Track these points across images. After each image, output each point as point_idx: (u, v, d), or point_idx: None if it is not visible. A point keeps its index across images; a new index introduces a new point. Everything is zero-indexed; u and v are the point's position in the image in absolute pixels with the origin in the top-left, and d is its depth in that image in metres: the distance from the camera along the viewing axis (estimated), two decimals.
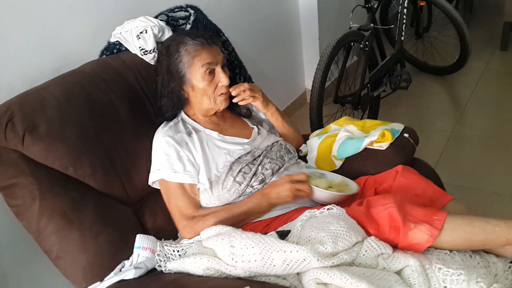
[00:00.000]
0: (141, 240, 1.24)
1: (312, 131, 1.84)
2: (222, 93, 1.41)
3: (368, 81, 2.42)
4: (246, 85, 1.46)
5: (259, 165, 1.40)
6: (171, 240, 1.32)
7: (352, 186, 1.38)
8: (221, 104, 1.42)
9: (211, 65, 1.37)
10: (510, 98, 2.94)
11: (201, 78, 1.37)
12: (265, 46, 2.64)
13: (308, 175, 1.36)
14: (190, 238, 1.29)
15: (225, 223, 1.26)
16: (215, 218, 1.29)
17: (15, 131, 1.20)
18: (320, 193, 1.30)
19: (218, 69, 1.39)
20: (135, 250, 1.24)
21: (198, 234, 1.27)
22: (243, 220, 1.32)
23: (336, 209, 1.21)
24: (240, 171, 1.37)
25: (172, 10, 1.68)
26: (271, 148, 1.47)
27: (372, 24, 2.40)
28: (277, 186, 1.30)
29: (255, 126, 1.54)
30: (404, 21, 2.70)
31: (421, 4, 3.03)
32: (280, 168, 1.43)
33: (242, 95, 1.45)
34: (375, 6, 2.49)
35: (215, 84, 1.39)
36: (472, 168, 2.33)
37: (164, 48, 1.41)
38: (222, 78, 1.39)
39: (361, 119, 2.46)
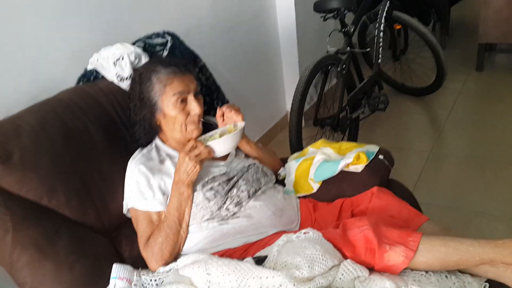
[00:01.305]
0: (117, 270, 1.22)
1: (292, 153, 1.85)
2: (193, 121, 1.41)
3: (346, 104, 2.46)
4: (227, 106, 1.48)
5: (233, 187, 1.40)
6: (148, 269, 1.30)
7: (239, 124, 1.43)
8: (192, 133, 1.42)
9: (183, 94, 1.38)
10: (487, 118, 3.01)
11: (173, 107, 1.38)
12: (245, 70, 2.68)
13: (203, 139, 1.42)
14: (155, 270, 1.28)
15: (172, 231, 1.29)
16: (159, 233, 1.30)
17: None
18: (216, 145, 1.34)
19: (190, 98, 1.39)
20: (111, 281, 1.22)
21: (163, 260, 1.28)
22: (180, 216, 1.31)
23: (312, 233, 1.22)
24: (211, 188, 1.37)
25: (149, 36, 1.70)
26: (247, 170, 1.48)
27: (348, 48, 2.45)
28: (181, 166, 1.30)
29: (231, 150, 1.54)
30: (381, 44, 2.76)
31: (397, 27, 3.11)
32: (256, 191, 1.43)
33: (232, 109, 1.46)
34: (351, 30, 2.54)
35: (187, 112, 1.40)
36: (450, 187, 2.36)
37: (137, 75, 1.42)
38: (194, 107, 1.39)
39: (341, 141, 2.49)
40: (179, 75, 1.38)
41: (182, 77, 1.38)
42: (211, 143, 1.34)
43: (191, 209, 1.34)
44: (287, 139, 2.28)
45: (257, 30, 2.76)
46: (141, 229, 1.33)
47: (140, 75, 1.41)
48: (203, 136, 1.46)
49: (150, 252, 1.29)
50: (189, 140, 1.43)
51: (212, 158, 1.45)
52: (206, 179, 1.38)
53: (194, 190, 1.35)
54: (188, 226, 1.34)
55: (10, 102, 1.45)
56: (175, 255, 1.31)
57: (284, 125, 3.11)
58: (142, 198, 1.34)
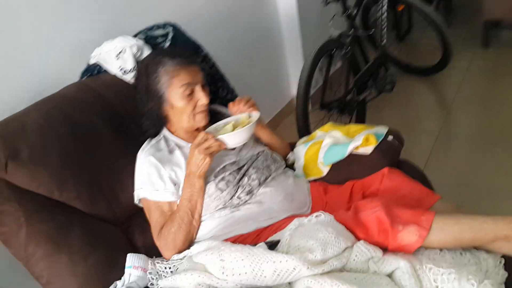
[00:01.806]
0: (132, 259, 1.23)
1: (301, 138, 1.84)
2: (201, 111, 1.41)
3: (352, 86, 2.44)
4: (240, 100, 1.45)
5: (244, 175, 1.40)
6: (162, 257, 1.31)
7: (254, 115, 1.39)
8: (200, 122, 1.42)
9: (190, 85, 1.37)
10: (495, 95, 2.97)
11: (180, 98, 1.37)
12: (248, 57, 2.66)
13: (215, 128, 1.39)
14: (169, 258, 1.29)
15: (184, 221, 1.29)
16: (173, 222, 1.30)
17: None
18: (228, 138, 1.30)
19: (198, 88, 1.39)
20: (126, 270, 1.22)
21: (176, 248, 1.28)
22: (192, 207, 1.31)
23: (324, 216, 1.21)
24: (223, 178, 1.37)
25: (150, 28, 1.69)
26: (257, 158, 1.47)
27: (352, 30, 2.42)
28: (191, 159, 1.28)
29: None
30: (385, 25, 2.73)
31: (401, 8, 3.07)
32: (267, 178, 1.43)
33: (248, 103, 1.44)
34: (354, 13, 2.51)
35: (194, 103, 1.39)
36: (461, 166, 2.34)
37: (143, 67, 1.41)
38: (201, 97, 1.39)
39: (349, 123, 2.48)
40: (186, 66, 1.37)
41: (188, 68, 1.37)
42: (223, 137, 1.29)
43: (203, 199, 1.33)
44: (294, 124, 2.27)
45: (259, 17, 2.73)
46: (154, 219, 1.34)
47: (146, 67, 1.39)
48: (216, 125, 1.43)
49: (164, 241, 1.30)
50: (196, 129, 1.43)
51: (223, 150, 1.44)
52: (217, 169, 1.38)
53: (206, 182, 1.35)
54: (200, 216, 1.34)
55: (14, 100, 1.45)
56: (188, 244, 1.32)
57: (291, 110, 3.09)
58: (153, 188, 1.34)
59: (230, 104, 1.46)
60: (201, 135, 1.29)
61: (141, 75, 1.41)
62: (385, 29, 2.74)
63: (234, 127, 1.37)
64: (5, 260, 1.37)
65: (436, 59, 3.19)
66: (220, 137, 1.29)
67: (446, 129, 2.69)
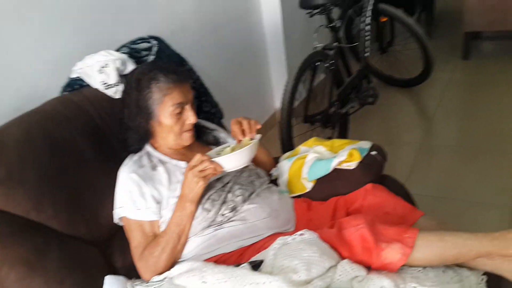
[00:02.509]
0: (109, 281, 1.20)
1: (283, 152, 1.84)
2: (188, 130, 1.40)
3: (336, 99, 2.45)
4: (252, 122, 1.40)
5: (228, 192, 1.38)
6: (142, 279, 1.28)
7: (256, 137, 1.35)
8: (186, 141, 1.41)
9: (182, 104, 1.36)
10: (476, 106, 3.02)
11: (169, 116, 1.35)
12: (233, 69, 2.66)
13: (215, 152, 1.36)
14: (149, 279, 1.26)
15: (169, 245, 1.26)
16: (157, 247, 1.27)
17: None
18: (224, 161, 1.25)
19: (187, 107, 1.37)
20: None
21: (157, 271, 1.25)
22: (181, 231, 1.28)
23: (308, 234, 1.20)
24: (208, 198, 1.35)
25: (134, 42, 1.67)
26: (240, 174, 1.46)
27: (336, 43, 2.44)
28: (184, 182, 1.26)
29: None
30: (368, 37, 2.76)
31: (383, 20, 3.10)
32: (251, 194, 1.42)
33: (253, 125, 1.39)
34: (338, 25, 2.53)
35: (183, 121, 1.38)
36: (443, 178, 2.36)
37: (135, 81, 1.38)
38: (190, 117, 1.37)
39: (331, 136, 2.49)
40: (179, 85, 1.35)
41: (181, 87, 1.36)
42: (219, 159, 1.25)
43: (191, 223, 1.31)
44: (277, 138, 2.27)
45: (243, 29, 2.73)
46: (135, 239, 1.31)
47: (138, 82, 1.36)
48: (215, 149, 1.41)
49: (145, 263, 1.27)
50: (183, 147, 1.41)
51: None
52: None
53: (197, 206, 1.32)
54: (186, 239, 1.31)
55: None
56: (170, 266, 1.29)
57: (273, 123, 3.10)
58: (134, 207, 1.31)
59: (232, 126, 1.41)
60: (197, 157, 1.25)
61: (131, 89, 1.38)
62: (369, 41, 2.77)
63: (233, 150, 1.32)
64: None
65: (418, 71, 3.24)
66: (216, 159, 1.25)
67: (427, 141, 2.72)
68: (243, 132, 1.38)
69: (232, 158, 1.26)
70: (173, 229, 1.28)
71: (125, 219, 1.33)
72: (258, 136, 1.36)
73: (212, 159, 1.25)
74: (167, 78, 1.34)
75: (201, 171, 1.23)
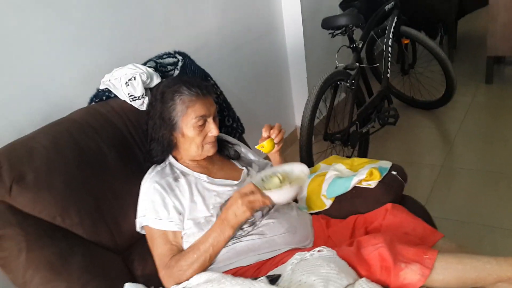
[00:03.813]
0: None
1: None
2: (210, 142, 1.42)
3: (356, 118, 2.46)
4: (278, 125, 1.49)
5: None
6: (161, 287, 1.29)
7: (304, 171, 1.37)
8: (208, 152, 1.44)
9: (204, 117, 1.39)
10: (498, 131, 2.99)
11: (192, 128, 1.38)
12: (254, 86, 2.69)
13: (261, 178, 1.37)
14: (171, 286, 1.27)
15: (198, 262, 1.26)
16: (186, 261, 1.28)
17: (3, 181, 1.20)
18: (275, 196, 1.26)
19: (210, 120, 1.40)
20: None
21: (181, 281, 1.26)
22: (213, 253, 1.29)
23: (326, 251, 1.20)
24: None
25: (160, 56, 1.72)
26: None
27: (357, 63, 2.46)
28: (231, 206, 1.26)
29: (244, 168, 1.55)
30: (389, 59, 2.77)
31: (405, 42, 3.12)
32: (270, 209, 1.43)
33: (280, 134, 1.48)
34: (360, 46, 2.55)
35: (205, 133, 1.40)
36: (463, 202, 2.33)
37: (159, 94, 1.42)
38: (212, 129, 1.40)
39: (351, 155, 2.49)
40: (202, 98, 1.38)
41: (204, 100, 1.39)
42: (271, 193, 1.24)
43: (224, 246, 1.32)
44: (297, 154, 2.28)
45: (266, 47, 2.78)
46: (159, 248, 1.32)
47: (162, 94, 1.40)
48: (262, 175, 1.43)
49: (169, 272, 1.28)
50: (204, 158, 1.44)
51: (228, 177, 1.45)
52: (222, 202, 1.38)
53: (211, 216, 1.35)
54: (215, 258, 1.32)
55: (23, 123, 1.47)
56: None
57: (293, 140, 3.11)
58: (156, 217, 1.33)
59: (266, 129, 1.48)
60: (250, 186, 1.26)
61: (156, 101, 1.42)
62: (390, 62, 2.78)
63: (282, 179, 1.35)
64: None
65: (440, 94, 3.23)
66: (269, 193, 1.25)
67: (448, 164, 2.69)
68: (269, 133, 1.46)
69: (283, 193, 1.27)
70: (206, 249, 1.28)
71: (147, 228, 1.35)
72: (307, 169, 1.37)
73: (264, 192, 1.25)
74: (190, 91, 1.37)
75: (251, 201, 1.24)
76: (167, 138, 1.42)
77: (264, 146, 1.44)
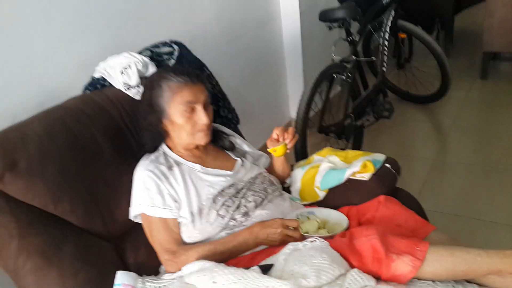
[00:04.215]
0: (121, 277, 1.22)
1: (297, 160, 1.85)
2: (201, 130, 1.41)
3: (351, 111, 2.46)
4: (292, 130, 1.48)
5: (242, 197, 1.40)
6: (153, 276, 1.30)
7: (342, 221, 1.38)
8: (201, 140, 1.42)
9: (191, 103, 1.37)
10: (491, 126, 3.00)
11: (180, 115, 1.37)
12: (250, 77, 2.68)
13: (296, 216, 1.39)
14: (174, 272, 1.27)
15: (208, 259, 1.25)
16: (198, 253, 1.28)
17: None
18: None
19: (199, 108, 1.39)
20: (115, 287, 1.22)
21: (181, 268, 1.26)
22: (227, 257, 1.30)
23: (319, 242, 1.21)
24: (223, 204, 1.37)
25: (156, 45, 1.71)
26: (254, 180, 1.48)
27: (354, 57, 2.46)
28: (268, 227, 1.30)
29: (238, 158, 1.55)
30: (386, 52, 2.78)
31: (402, 36, 3.12)
32: (263, 200, 1.43)
33: (294, 139, 1.47)
34: (357, 39, 2.55)
35: (194, 121, 1.39)
36: (455, 195, 2.35)
37: (149, 82, 1.43)
38: (202, 117, 1.38)
39: (345, 148, 2.50)
40: (190, 84, 1.38)
41: (192, 86, 1.38)
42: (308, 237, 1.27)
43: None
44: None
45: (262, 38, 2.77)
46: (159, 235, 1.32)
47: (151, 81, 1.41)
48: (298, 212, 1.44)
49: (175, 259, 1.29)
50: (196, 147, 1.44)
51: (219, 167, 1.45)
52: (215, 193, 1.38)
53: (204, 207, 1.36)
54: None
55: (17, 109, 1.45)
56: None
57: None
58: (152, 204, 1.33)
59: (272, 140, 1.48)
60: (295, 223, 1.31)
61: (146, 89, 1.43)
62: (386, 56, 2.78)
63: (318, 225, 1.38)
64: None
65: (435, 88, 3.23)
66: (306, 236, 1.29)
67: (441, 157, 2.71)
68: (279, 138, 1.47)
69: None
70: (222, 251, 1.29)
71: (143, 215, 1.35)
72: (346, 221, 1.38)
73: (302, 233, 1.30)
74: (178, 77, 1.37)
75: (288, 236, 1.28)
76: (156, 125, 1.41)
77: (277, 150, 1.45)
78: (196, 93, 1.38)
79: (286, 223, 1.30)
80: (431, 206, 1.99)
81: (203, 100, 1.40)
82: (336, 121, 2.42)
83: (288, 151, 1.49)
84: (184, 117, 1.37)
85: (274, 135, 1.47)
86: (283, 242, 1.28)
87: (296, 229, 1.30)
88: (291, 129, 1.47)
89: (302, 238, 1.28)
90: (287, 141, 1.45)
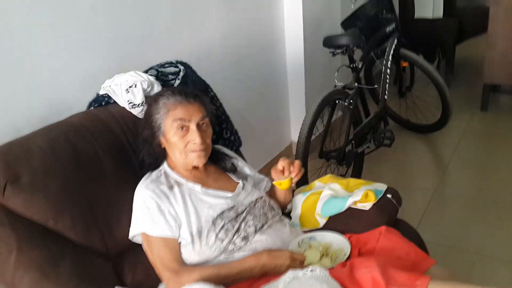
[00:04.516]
0: None
1: (297, 185, 1.84)
2: (194, 151, 1.40)
3: (352, 138, 2.47)
4: (298, 163, 1.47)
5: (242, 221, 1.39)
6: None
7: (344, 246, 1.38)
8: (194, 161, 1.41)
9: (184, 121, 1.38)
10: (491, 159, 3.01)
11: (173, 133, 1.38)
12: (253, 99, 2.70)
13: (298, 243, 1.39)
14: None
15: (210, 281, 1.24)
16: (201, 275, 1.26)
17: None
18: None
19: (192, 127, 1.38)
20: None
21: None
22: (230, 281, 1.29)
23: (319, 271, 1.20)
24: (222, 227, 1.36)
25: (162, 65, 1.72)
26: (254, 205, 1.47)
27: (356, 83, 2.48)
28: (276, 259, 1.29)
29: (240, 181, 1.54)
30: (388, 80, 2.80)
31: (404, 64, 3.15)
32: (263, 225, 1.43)
33: (300, 174, 1.46)
34: (359, 66, 2.58)
35: (187, 140, 1.39)
36: (454, 227, 2.34)
37: (149, 99, 1.47)
38: (194, 137, 1.38)
39: (345, 174, 2.50)
40: (185, 103, 1.39)
41: (187, 105, 1.39)
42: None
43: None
44: None
45: (266, 62, 2.79)
46: (160, 253, 1.31)
47: (151, 99, 1.46)
48: (299, 239, 1.44)
49: (177, 279, 1.26)
50: (194, 167, 1.45)
51: (220, 188, 1.45)
52: (215, 215, 1.37)
53: (203, 229, 1.35)
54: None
55: (21, 123, 1.46)
56: None
57: (288, 155, 3.12)
58: (153, 223, 1.32)
59: (277, 171, 1.47)
60: (303, 257, 1.33)
61: (147, 106, 1.47)
62: (388, 84, 2.81)
63: (321, 253, 1.37)
64: None
65: (435, 118, 3.25)
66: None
67: (441, 189, 2.71)
68: (283, 171, 1.46)
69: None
70: (226, 276, 1.28)
71: (144, 235, 1.34)
72: (348, 247, 1.38)
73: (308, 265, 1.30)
74: (174, 95, 1.40)
75: (293, 267, 1.27)
76: (151, 141, 1.42)
77: (282, 184, 1.45)
78: (190, 112, 1.38)
79: (295, 256, 1.31)
80: (430, 238, 1.98)
81: (198, 119, 1.39)
82: (337, 147, 2.43)
83: (293, 184, 1.48)
84: (176, 135, 1.38)
85: (280, 167, 1.46)
86: (286, 271, 1.25)
87: (302, 263, 1.31)
88: (297, 163, 1.46)
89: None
90: (292, 175, 1.45)
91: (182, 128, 1.38)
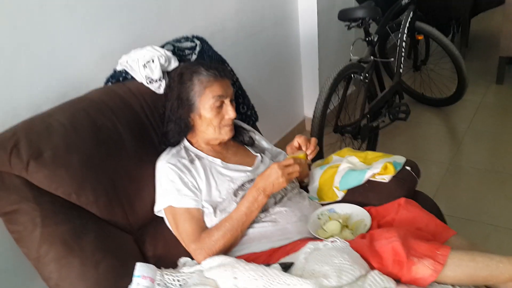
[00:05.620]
0: (141, 269, 1.22)
1: (313, 160, 1.84)
2: (227, 125, 1.42)
3: (367, 112, 2.45)
4: (314, 141, 1.46)
5: None
6: (171, 269, 1.30)
7: (365, 217, 1.38)
8: (226, 135, 1.44)
9: (221, 97, 1.40)
10: (506, 131, 2.98)
11: (210, 109, 1.39)
12: (266, 74, 2.68)
13: (317, 216, 1.39)
14: (203, 259, 1.28)
15: (231, 232, 1.29)
16: (219, 230, 1.30)
17: (20, 157, 1.20)
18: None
19: (227, 102, 1.41)
20: (134, 279, 1.22)
21: (212, 253, 1.28)
22: (247, 221, 1.32)
23: (339, 242, 1.21)
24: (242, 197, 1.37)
25: (178, 40, 1.71)
26: None
27: (372, 57, 2.44)
28: (269, 177, 1.30)
29: (258, 154, 1.55)
30: (403, 54, 2.76)
31: (419, 37, 3.09)
32: (283, 197, 1.44)
33: (315, 151, 1.45)
34: (375, 40, 2.54)
35: (222, 116, 1.41)
36: (469, 200, 2.34)
37: (177, 75, 1.43)
38: (230, 111, 1.41)
39: (359, 148, 2.49)
40: (219, 79, 1.39)
41: (221, 81, 1.40)
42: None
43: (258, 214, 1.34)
44: None
45: (279, 36, 2.76)
46: (186, 225, 1.33)
47: (181, 75, 1.42)
48: (318, 212, 1.44)
49: (200, 245, 1.29)
50: (219, 143, 1.46)
51: (242, 163, 1.45)
52: (236, 187, 1.39)
53: (225, 200, 1.36)
54: (247, 227, 1.34)
55: (40, 99, 1.46)
56: (225, 251, 1.32)
57: (301, 130, 3.11)
58: (179, 195, 1.34)
59: (292, 148, 1.47)
60: (290, 160, 1.32)
61: (174, 83, 1.44)
62: (403, 57, 2.77)
63: (341, 226, 1.38)
64: (12, 259, 1.38)
65: (451, 91, 3.21)
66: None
67: (456, 161, 2.70)
68: (299, 148, 1.45)
69: None
70: (239, 217, 1.31)
71: (170, 208, 1.36)
72: (369, 219, 1.38)
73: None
74: (208, 72, 1.39)
75: (290, 173, 1.29)
76: (185, 119, 1.42)
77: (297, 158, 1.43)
78: (225, 88, 1.40)
79: (283, 163, 1.31)
80: (445, 210, 1.98)
81: (231, 95, 1.42)
82: (352, 121, 2.42)
83: (308, 161, 1.48)
84: (213, 111, 1.39)
85: (296, 143, 1.45)
86: (289, 180, 1.30)
87: (293, 164, 1.31)
88: (313, 140, 1.45)
89: (298, 170, 1.31)
90: (308, 152, 1.43)
91: (219, 104, 1.39)
